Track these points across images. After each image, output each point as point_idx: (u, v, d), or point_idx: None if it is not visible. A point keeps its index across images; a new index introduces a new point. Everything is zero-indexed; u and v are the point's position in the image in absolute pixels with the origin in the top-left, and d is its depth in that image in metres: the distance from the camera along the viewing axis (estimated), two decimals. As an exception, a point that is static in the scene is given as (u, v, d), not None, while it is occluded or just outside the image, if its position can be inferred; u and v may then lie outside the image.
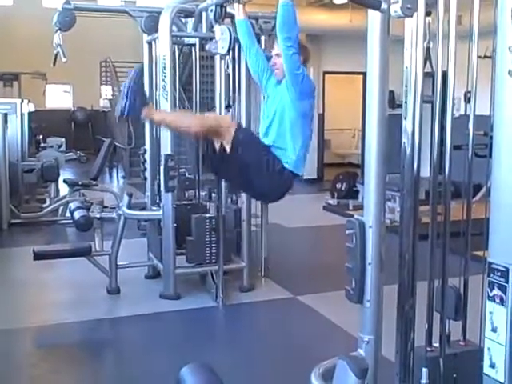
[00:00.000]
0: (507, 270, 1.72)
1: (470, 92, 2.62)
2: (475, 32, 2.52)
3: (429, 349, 2.60)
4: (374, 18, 2.39)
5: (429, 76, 2.56)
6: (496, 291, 1.76)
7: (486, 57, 3.54)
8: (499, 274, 1.74)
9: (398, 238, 2.59)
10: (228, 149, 3.43)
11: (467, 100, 2.67)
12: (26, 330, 4.76)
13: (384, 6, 2.20)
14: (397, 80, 2.63)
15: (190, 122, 3.64)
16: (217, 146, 3.51)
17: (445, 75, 2.51)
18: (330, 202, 9.65)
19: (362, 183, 2.53)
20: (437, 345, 2.60)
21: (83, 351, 4.51)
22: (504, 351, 1.75)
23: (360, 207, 2.66)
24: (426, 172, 2.60)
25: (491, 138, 1.89)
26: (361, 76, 11.62)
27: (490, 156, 1.89)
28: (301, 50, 3.53)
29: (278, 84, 3.67)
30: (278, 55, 3.61)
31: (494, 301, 1.77)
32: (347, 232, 2.47)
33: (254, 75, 3.87)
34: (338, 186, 9.72)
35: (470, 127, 2.64)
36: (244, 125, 3.60)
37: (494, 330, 1.78)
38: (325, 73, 12.45)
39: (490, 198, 1.91)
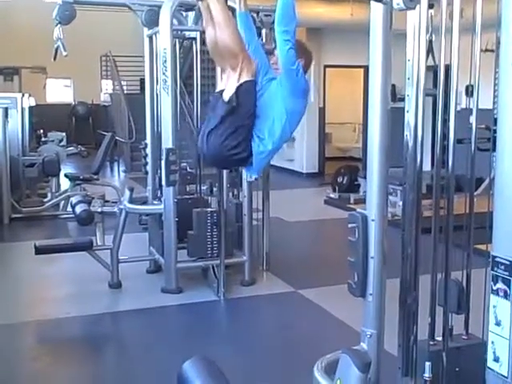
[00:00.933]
0: (511, 263, 1.71)
1: (471, 86, 2.61)
2: (478, 25, 2.50)
3: (431, 343, 2.60)
4: (376, 10, 2.38)
5: (430, 70, 2.55)
6: (500, 285, 1.75)
7: (487, 50, 3.52)
8: (503, 267, 1.74)
9: (399, 232, 2.58)
10: (226, 96, 3.15)
11: (470, 94, 2.66)
12: (28, 324, 4.77)
13: (386, -2, 2.19)
14: (398, 74, 2.62)
15: (226, 28, 3.18)
16: (221, 85, 3.27)
17: (447, 68, 2.50)
18: (331, 195, 9.64)
19: (364, 177, 2.53)
20: (439, 339, 2.59)
21: (85, 345, 4.51)
22: (508, 345, 1.74)
23: (361, 201, 2.66)
24: (426, 166, 2.59)
25: (494, 131, 1.88)
26: (362, 70, 11.63)
27: (493, 150, 1.88)
28: (303, 55, 3.47)
29: (273, 79, 3.63)
30: None
31: (498, 294, 1.76)
32: (349, 226, 2.46)
33: None
34: (339, 179, 9.71)
35: (472, 121, 2.63)
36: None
37: (498, 323, 1.77)
38: (325, 66, 12.42)
39: (492, 191, 1.90)
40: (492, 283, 1.78)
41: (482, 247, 2.40)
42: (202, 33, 5.53)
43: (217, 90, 3.31)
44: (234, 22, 3.32)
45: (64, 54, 5.25)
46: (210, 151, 3.35)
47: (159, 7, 5.22)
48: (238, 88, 3.18)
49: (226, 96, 3.18)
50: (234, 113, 3.19)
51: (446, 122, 2.58)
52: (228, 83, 3.22)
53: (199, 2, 3.31)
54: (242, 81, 3.20)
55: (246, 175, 5.30)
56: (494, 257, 1.77)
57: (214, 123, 3.20)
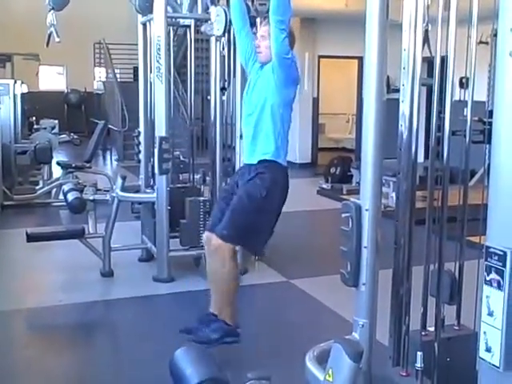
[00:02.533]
0: (505, 254, 1.71)
1: (465, 78, 2.60)
2: (474, 16, 2.50)
3: (423, 333, 2.61)
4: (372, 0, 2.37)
5: (425, 60, 2.55)
6: (493, 275, 1.76)
7: (481, 42, 3.52)
8: (497, 258, 1.74)
9: (391, 223, 2.58)
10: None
11: (465, 86, 2.66)
12: (19, 312, 4.75)
13: (383, -13, 2.18)
14: (392, 65, 2.61)
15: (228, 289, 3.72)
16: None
17: (443, 59, 2.49)
18: (324, 186, 9.65)
19: (356, 168, 2.53)
20: (431, 329, 2.60)
21: (76, 333, 4.50)
22: (500, 335, 1.75)
23: (354, 191, 2.67)
24: (419, 157, 2.60)
25: (488, 123, 1.88)
26: (356, 60, 11.62)
27: (486, 142, 1.87)
28: (289, 36, 3.48)
29: (261, 69, 3.63)
30: (263, 37, 3.57)
31: (491, 285, 1.77)
32: (343, 215, 2.45)
33: (241, 58, 3.84)
34: (332, 170, 9.72)
35: (467, 113, 2.63)
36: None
37: (490, 314, 1.77)
38: (320, 57, 12.39)
39: (486, 183, 1.90)
40: (485, 274, 1.78)
41: (474, 239, 2.41)
42: (197, 21, 5.54)
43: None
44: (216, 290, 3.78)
45: (57, 40, 5.22)
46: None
47: (154, -6, 5.19)
48: (232, 240, 3.64)
49: None
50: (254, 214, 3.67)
51: (439, 113, 2.57)
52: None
53: None
54: (231, 247, 3.64)
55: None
56: (488, 247, 1.77)
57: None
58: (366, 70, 2.44)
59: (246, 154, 3.71)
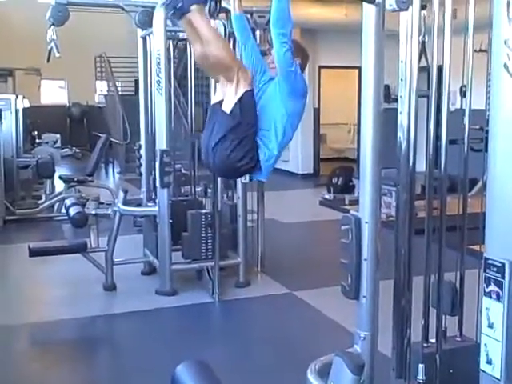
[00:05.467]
0: (503, 265, 1.71)
1: (465, 86, 2.61)
2: (471, 26, 2.51)
3: (425, 345, 2.59)
4: (368, 11, 2.37)
5: (424, 70, 2.55)
6: (492, 287, 1.75)
7: (480, 51, 3.53)
8: (495, 269, 1.73)
9: (393, 233, 2.57)
10: (226, 108, 3.15)
11: (463, 94, 2.66)
12: (22, 327, 4.75)
13: (379, -1, 2.18)
14: (392, 74, 2.62)
15: (216, 43, 3.18)
16: (218, 96, 3.25)
17: (440, 69, 2.50)
18: (326, 196, 9.64)
19: (358, 178, 2.52)
20: (433, 340, 2.59)
21: (79, 348, 4.50)
22: (500, 347, 1.74)
23: (356, 202, 2.65)
24: (420, 167, 2.59)
25: (487, 132, 1.88)
26: (356, 70, 11.61)
27: (486, 150, 1.87)
28: (300, 53, 3.47)
29: (271, 80, 3.62)
30: None
31: (491, 297, 1.76)
32: (342, 228, 2.45)
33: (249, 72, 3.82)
34: (334, 180, 9.71)
35: (465, 121, 2.63)
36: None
37: (490, 326, 1.76)
38: (320, 67, 12.43)
39: (486, 192, 1.89)
40: (484, 285, 1.77)
41: (475, 248, 2.40)
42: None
43: (214, 101, 3.29)
44: (221, 35, 3.28)
45: (57, 55, 5.23)
46: (217, 165, 3.37)
47: (153, 8, 5.21)
48: (239, 101, 3.15)
49: (227, 109, 3.15)
50: (238, 126, 3.19)
51: (438, 122, 2.58)
52: (226, 95, 3.18)
53: (180, 21, 3.27)
54: (240, 92, 3.17)
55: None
56: (487, 259, 1.76)
57: (217, 137, 3.19)
58: (363, 80, 2.44)
59: None
